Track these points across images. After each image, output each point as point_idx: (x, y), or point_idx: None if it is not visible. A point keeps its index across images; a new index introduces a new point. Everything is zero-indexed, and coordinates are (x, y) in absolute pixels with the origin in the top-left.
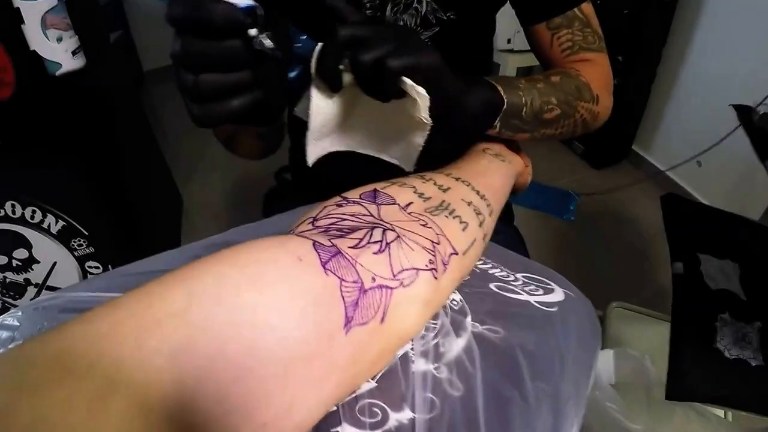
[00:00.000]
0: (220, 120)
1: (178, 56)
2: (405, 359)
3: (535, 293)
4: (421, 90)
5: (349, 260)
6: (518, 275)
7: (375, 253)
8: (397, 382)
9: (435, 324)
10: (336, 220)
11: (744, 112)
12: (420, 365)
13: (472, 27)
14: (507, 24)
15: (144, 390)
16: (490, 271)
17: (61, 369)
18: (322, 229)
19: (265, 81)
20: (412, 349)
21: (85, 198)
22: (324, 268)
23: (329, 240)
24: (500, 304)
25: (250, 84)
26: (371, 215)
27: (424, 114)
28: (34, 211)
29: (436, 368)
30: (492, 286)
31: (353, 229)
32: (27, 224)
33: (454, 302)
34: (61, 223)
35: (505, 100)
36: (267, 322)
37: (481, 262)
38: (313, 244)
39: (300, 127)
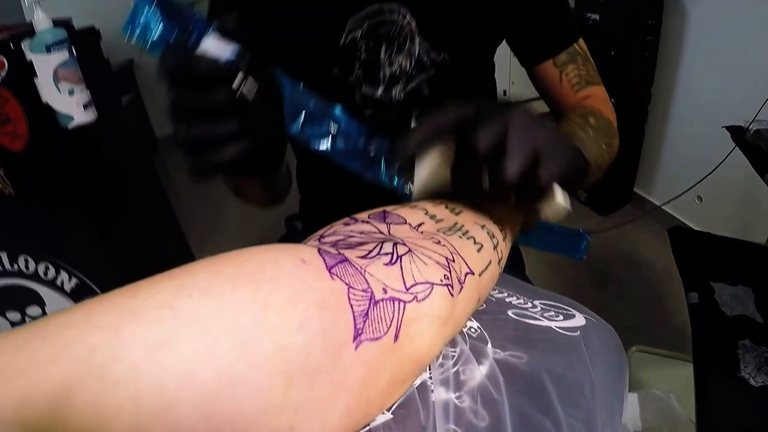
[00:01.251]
0: (213, 171)
1: (170, 109)
2: (423, 388)
3: (555, 319)
4: (565, 202)
5: (357, 268)
6: (536, 302)
7: (386, 265)
8: (416, 413)
9: (454, 351)
10: (344, 237)
11: (737, 133)
12: (440, 394)
13: (467, 68)
14: (501, 76)
15: (114, 388)
16: (507, 299)
17: (26, 358)
18: (329, 245)
19: (257, 129)
20: (430, 377)
21: (98, 255)
22: (330, 272)
23: (336, 249)
24: (520, 330)
25: (240, 133)
26: (381, 233)
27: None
28: (47, 267)
29: (457, 397)
30: (510, 312)
31: (362, 244)
32: (40, 281)
33: (472, 329)
34: (74, 280)
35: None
36: (265, 322)
37: (496, 291)
38: (318, 250)
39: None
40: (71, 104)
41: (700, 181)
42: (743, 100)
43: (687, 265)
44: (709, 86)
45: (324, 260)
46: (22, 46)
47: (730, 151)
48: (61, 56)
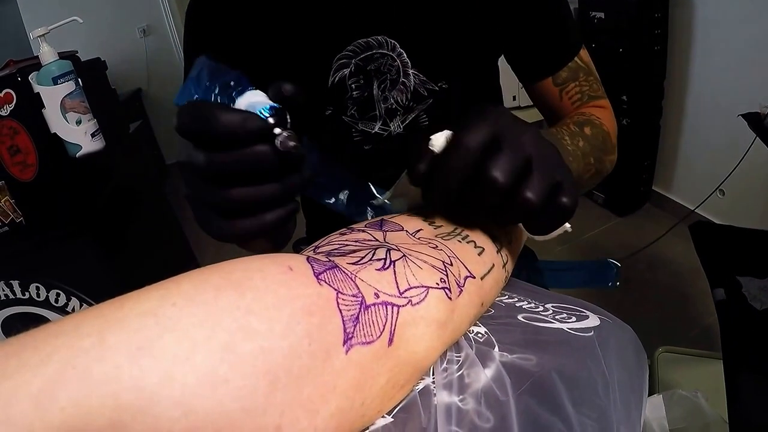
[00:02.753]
0: (250, 236)
1: (200, 169)
2: (426, 392)
3: (568, 321)
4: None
5: (347, 274)
6: (548, 305)
7: (378, 270)
8: (417, 417)
9: (459, 356)
10: (339, 246)
11: (754, 120)
12: (443, 397)
13: (467, 94)
14: (510, 81)
15: (96, 387)
16: (517, 304)
17: (15, 363)
18: (324, 254)
19: (297, 191)
20: (433, 381)
21: (109, 282)
22: (317, 278)
23: (327, 257)
24: (530, 333)
25: (282, 195)
26: (376, 240)
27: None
28: (58, 294)
29: (461, 400)
30: (520, 317)
31: (355, 251)
32: (51, 308)
33: (479, 335)
34: (85, 307)
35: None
36: (247, 326)
37: (506, 296)
38: (307, 258)
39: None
40: (79, 133)
41: (725, 179)
42: (760, 87)
43: (712, 261)
44: (723, 76)
45: (312, 267)
46: (30, 79)
47: (752, 142)
48: (67, 87)
